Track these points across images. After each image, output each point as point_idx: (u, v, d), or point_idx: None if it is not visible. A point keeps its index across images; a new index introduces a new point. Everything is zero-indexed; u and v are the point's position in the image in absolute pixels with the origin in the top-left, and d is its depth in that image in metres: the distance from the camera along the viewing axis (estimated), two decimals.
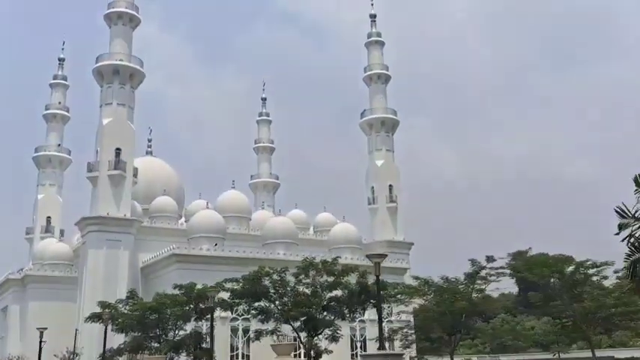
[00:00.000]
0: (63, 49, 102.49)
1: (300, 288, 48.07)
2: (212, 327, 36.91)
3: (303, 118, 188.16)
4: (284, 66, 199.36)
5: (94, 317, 48.72)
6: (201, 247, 65.05)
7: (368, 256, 25.98)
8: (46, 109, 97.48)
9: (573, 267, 47.24)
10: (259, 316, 47.87)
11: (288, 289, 47.86)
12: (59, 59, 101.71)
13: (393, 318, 70.70)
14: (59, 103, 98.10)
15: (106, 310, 46.81)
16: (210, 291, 40.00)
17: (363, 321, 66.87)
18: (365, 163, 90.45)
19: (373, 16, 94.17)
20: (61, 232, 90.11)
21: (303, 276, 48.27)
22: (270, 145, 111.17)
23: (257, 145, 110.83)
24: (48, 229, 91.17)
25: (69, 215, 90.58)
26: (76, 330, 57.01)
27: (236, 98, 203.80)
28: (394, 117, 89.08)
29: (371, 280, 49.42)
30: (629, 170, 19.80)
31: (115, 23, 74.74)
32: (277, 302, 47.78)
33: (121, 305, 49.42)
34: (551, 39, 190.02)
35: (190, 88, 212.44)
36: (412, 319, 71.48)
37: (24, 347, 69.94)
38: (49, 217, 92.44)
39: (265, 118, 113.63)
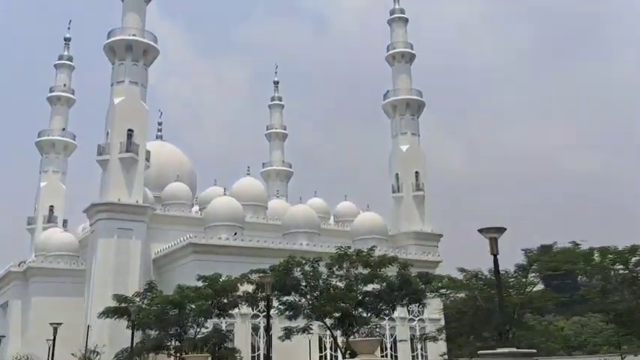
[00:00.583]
0: (69, 28, 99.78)
1: (333, 281, 44.90)
2: (268, 319, 33.20)
3: (313, 104, 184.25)
4: (288, 52, 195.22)
5: (109, 312, 45.27)
6: (220, 237, 61.82)
7: (481, 231, 21.96)
8: (51, 91, 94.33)
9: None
10: (287, 312, 44.48)
11: (320, 282, 44.63)
12: (65, 39, 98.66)
13: (425, 316, 67.40)
14: (64, 85, 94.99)
15: (130, 304, 43.21)
16: (265, 277, 36.38)
17: (392, 319, 63.19)
18: (386, 148, 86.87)
19: None
20: (64, 223, 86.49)
21: (336, 267, 45.01)
22: (283, 131, 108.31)
23: (269, 131, 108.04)
24: (51, 219, 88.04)
25: (73, 204, 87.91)
26: (89, 326, 53.48)
27: (238, 85, 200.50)
28: (419, 98, 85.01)
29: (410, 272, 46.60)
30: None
31: None
32: (308, 296, 44.51)
33: (138, 299, 45.85)
34: (561, 31, 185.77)
35: (190, 76, 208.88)
36: (442, 317, 68.23)
37: (26, 346, 66.57)
38: (51, 206, 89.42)
39: (278, 102, 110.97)
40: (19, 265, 76.68)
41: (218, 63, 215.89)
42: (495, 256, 22.19)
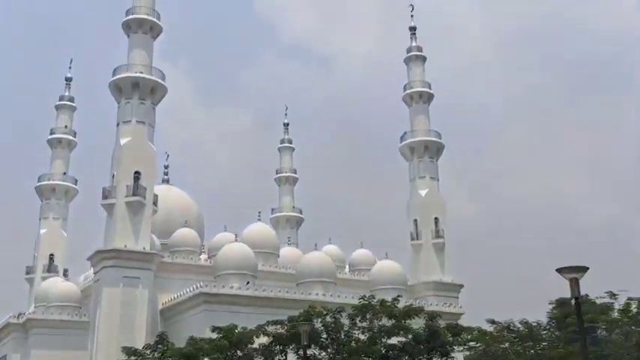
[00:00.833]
0: (70, 67, 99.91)
1: (355, 333, 44.05)
2: None
3: (324, 147, 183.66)
4: (295, 94, 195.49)
5: None
6: (232, 286, 60.68)
7: (560, 270, 20.78)
8: (51, 133, 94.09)
9: None
10: None
11: (342, 334, 43.78)
12: (66, 78, 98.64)
13: None
14: (65, 127, 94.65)
15: (140, 357, 42.15)
16: (302, 325, 35.01)
17: None
18: (403, 192, 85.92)
19: (413, 29, 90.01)
20: (65, 272, 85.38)
21: (359, 318, 44.19)
22: (293, 175, 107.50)
23: (279, 175, 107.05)
24: (51, 268, 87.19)
25: (74, 253, 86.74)
26: None
27: (244, 128, 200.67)
28: (439, 140, 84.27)
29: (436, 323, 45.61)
30: None
31: (134, 31, 70.87)
32: (329, 349, 43.58)
33: (148, 352, 44.74)
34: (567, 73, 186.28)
35: (194, 118, 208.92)
36: None
37: None
38: (52, 254, 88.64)
39: (288, 145, 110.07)
40: (17, 316, 75.26)
41: (222, 105, 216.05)
42: (577, 299, 20.94)
